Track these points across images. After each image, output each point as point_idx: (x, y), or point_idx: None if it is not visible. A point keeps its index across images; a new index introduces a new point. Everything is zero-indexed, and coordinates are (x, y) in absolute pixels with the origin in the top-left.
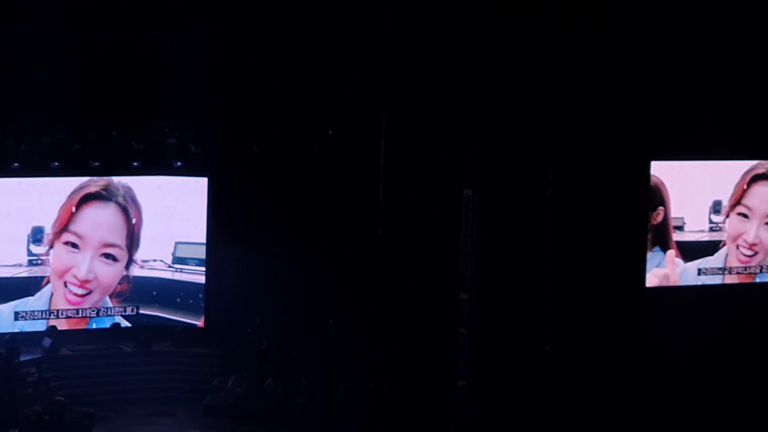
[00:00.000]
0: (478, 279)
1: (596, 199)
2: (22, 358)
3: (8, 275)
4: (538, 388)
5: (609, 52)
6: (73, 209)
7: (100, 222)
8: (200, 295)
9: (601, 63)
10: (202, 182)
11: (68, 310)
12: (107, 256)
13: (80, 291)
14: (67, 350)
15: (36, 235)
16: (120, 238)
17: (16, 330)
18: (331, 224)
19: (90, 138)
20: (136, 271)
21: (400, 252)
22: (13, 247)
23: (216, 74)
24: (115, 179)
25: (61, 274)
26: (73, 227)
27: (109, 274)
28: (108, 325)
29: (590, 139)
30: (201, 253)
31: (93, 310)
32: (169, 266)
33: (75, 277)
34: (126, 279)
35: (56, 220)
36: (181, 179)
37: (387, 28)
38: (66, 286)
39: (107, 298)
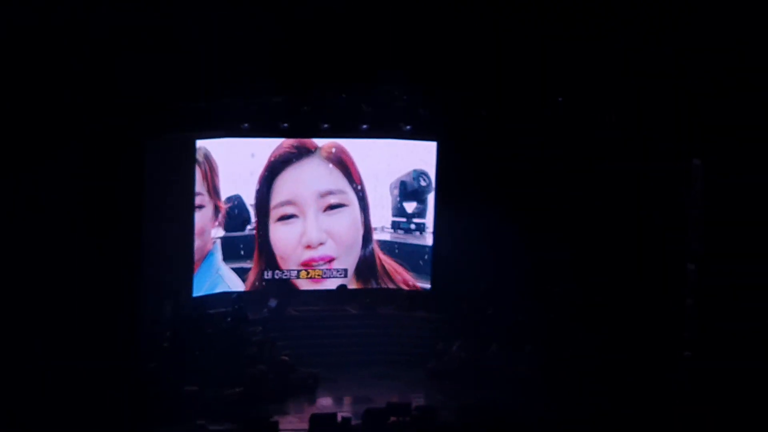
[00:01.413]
0: (706, 248)
1: None
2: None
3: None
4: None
5: None
6: None
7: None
8: (425, 257)
9: None
10: (431, 146)
11: None
12: (196, 207)
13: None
14: (293, 311)
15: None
16: (202, 187)
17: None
18: (559, 191)
19: (320, 100)
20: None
21: (626, 220)
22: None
23: (448, 37)
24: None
25: None
26: None
27: (199, 221)
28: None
29: None
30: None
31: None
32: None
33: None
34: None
35: None
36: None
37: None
38: None
39: None
